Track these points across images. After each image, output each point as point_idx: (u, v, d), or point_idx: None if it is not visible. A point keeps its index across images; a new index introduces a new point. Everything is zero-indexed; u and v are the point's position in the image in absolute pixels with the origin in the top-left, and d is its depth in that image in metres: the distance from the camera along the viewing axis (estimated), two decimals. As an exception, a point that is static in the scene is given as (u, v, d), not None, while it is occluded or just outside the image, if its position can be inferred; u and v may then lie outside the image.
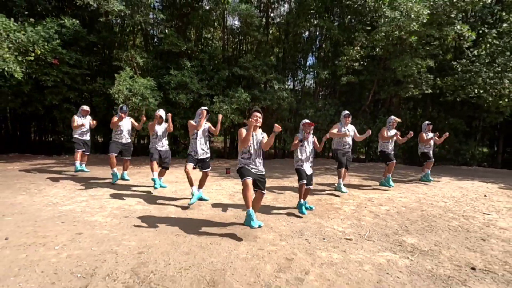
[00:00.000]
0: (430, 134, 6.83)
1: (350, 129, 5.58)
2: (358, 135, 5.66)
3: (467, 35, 7.63)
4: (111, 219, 3.73)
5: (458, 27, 7.54)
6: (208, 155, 4.68)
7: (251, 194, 3.36)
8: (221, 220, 3.92)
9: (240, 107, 8.91)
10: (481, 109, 10.29)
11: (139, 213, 4.03)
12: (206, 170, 4.63)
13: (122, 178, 6.07)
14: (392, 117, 6.15)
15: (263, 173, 3.56)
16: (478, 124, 11.22)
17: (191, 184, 4.48)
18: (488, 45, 9.01)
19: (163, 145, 5.36)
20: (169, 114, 5.25)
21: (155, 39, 10.34)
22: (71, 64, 8.66)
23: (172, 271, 2.48)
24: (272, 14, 11.48)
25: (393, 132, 6.09)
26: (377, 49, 9.43)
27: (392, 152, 6.22)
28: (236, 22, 11.69)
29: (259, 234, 3.42)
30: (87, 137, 6.33)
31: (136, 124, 5.95)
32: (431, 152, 6.89)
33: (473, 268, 2.76)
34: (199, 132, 4.54)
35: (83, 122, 6.17)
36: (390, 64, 9.21)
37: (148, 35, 10.69)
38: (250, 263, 2.69)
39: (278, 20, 11.71)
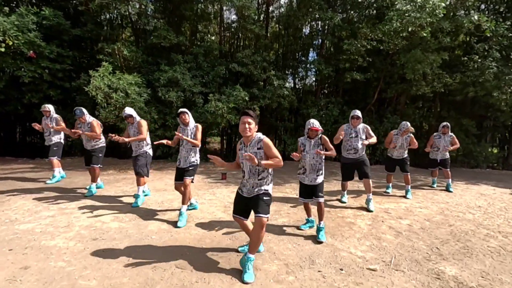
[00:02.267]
0: (447, 138, 6.05)
1: (360, 130, 4.48)
2: (370, 134, 4.51)
3: (485, 26, 6.93)
4: (74, 243, 3.00)
5: (476, 17, 6.84)
6: (193, 162, 3.89)
7: (247, 228, 2.75)
8: (213, 242, 3.20)
9: (237, 106, 8.18)
10: (493, 108, 9.64)
11: (113, 233, 3.31)
12: (186, 177, 3.75)
13: (98, 187, 5.33)
14: (408, 124, 5.20)
15: (262, 192, 2.60)
16: (489, 124, 10.57)
17: (183, 202, 3.77)
18: (500, 38, 8.34)
19: (134, 148, 4.45)
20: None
21: (146, 34, 9.58)
22: (51, 58, 7.90)
23: (138, 332, 1.76)
24: (271, 7, 10.77)
25: (400, 139, 5.25)
26: (383, 44, 8.74)
27: (402, 156, 5.39)
28: (234, 16, 10.98)
29: (260, 264, 2.71)
30: (49, 141, 5.57)
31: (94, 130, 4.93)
32: (438, 159, 6.07)
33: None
34: (183, 139, 3.83)
35: (45, 124, 5.46)
36: (398, 60, 8.51)
37: (138, 29, 9.94)
38: (248, 314, 1.98)
39: (278, 13, 11.00)
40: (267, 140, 2.57)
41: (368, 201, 4.61)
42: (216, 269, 2.57)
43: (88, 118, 4.93)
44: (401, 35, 7.59)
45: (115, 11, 8.11)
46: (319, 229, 3.40)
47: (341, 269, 2.68)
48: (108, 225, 3.53)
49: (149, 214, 4.02)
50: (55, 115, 5.61)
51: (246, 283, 2.36)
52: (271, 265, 2.70)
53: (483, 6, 9.42)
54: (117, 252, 2.84)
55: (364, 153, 4.57)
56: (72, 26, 8.64)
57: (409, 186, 5.47)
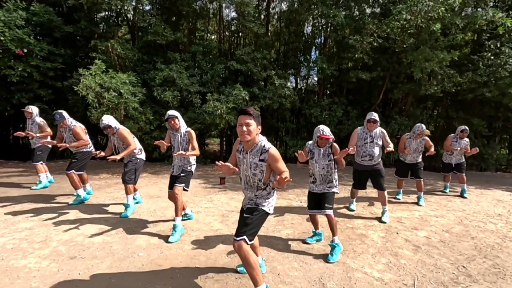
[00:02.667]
0: (463, 142, 5.53)
1: (376, 135, 3.97)
2: (388, 141, 3.99)
3: (500, 22, 6.54)
4: (48, 263, 2.61)
5: (490, 13, 6.45)
6: (188, 170, 3.49)
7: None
8: (208, 260, 2.81)
9: (237, 106, 7.80)
10: (505, 108, 9.25)
11: (95, 249, 2.91)
12: (176, 185, 3.35)
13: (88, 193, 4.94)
14: (422, 126, 4.78)
15: (255, 208, 2.19)
16: (499, 124, 10.18)
17: (176, 214, 3.33)
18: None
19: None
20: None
21: (142, 31, 9.21)
22: (42, 56, 7.53)
23: None
24: (272, 4, 10.39)
25: (414, 143, 4.82)
26: (390, 41, 8.35)
27: (416, 161, 4.94)
28: (233, 14, 10.61)
29: (262, 290, 2.31)
30: (33, 144, 5.20)
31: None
32: (453, 163, 5.64)
33: None
34: (175, 146, 3.44)
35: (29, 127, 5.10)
36: (405, 58, 8.12)
37: (134, 26, 9.57)
38: None
39: (279, 9, 10.62)
40: (274, 152, 2.06)
41: (383, 212, 4.19)
42: (211, 297, 2.18)
43: (70, 122, 4.43)
44: (409, 31, 7.19)
45: (110, 8, 7.73)
46: (332, 247, 2.96)
47: (358, 296, 2.29)
48: (91, 240, 3.13)
49: (138, 226, 3.63)
50: (39, 119, 5.17)
51: None
52: (275, 291, 2.31)
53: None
54: (96, 274, 2.45)
55: (380, 160, 4.13)
56: (65, 23, 8.28)
57: (422, 193, 5.07)
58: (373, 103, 9.93)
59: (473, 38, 9.21)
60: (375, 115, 3.94)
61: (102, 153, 3.71)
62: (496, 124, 10.27)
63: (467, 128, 5.44)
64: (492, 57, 8.01)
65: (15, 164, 8.31)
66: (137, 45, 8.55)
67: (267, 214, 2.25)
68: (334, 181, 3.11)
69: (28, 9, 7.54)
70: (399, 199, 5.34)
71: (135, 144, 3.97)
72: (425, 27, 6.66)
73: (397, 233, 3.72)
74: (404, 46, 8.08)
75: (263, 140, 2.11)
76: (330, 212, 3.00)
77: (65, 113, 4.46)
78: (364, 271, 2.71)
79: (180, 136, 3.42)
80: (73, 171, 4.44)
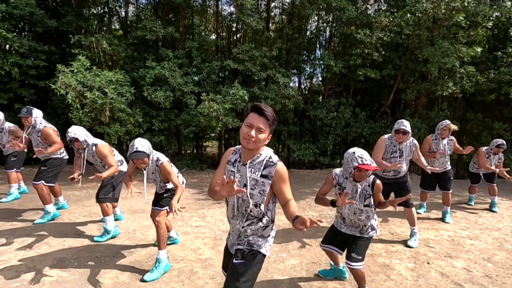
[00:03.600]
0: (496, 158, 4.72)
1: (407, 147, 3.27)
2: (420, 155, 3.36)
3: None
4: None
5: (509, 4, 5.77)
6: (172, 189, 2.81)
7: None
8: (190, 310, 2.12)
9: (235, 107, 7.12)
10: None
11: (43, 294, 2.23)
12: (156, 208, 2.77)
13: (60, 208, 4.26)
14: (447, 121, 4.05)
15: (248, 251, 1.56)
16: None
17: (159, 247, 2.62)
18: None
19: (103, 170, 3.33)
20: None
21: (132, 27, 8.56)
22: (22, 53, 6.89)
23: None
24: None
25: (441, 144, 4.03)
26: (403, 36, 7.66)
27: (445, 169, 4.16)
28: (232, 9, 9.96)
29: None
30: (6, 150, 4.57)
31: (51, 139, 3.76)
32: (481, 173, 4.94)
33: None
34: (145, 173, 2.66)
35: None
36: (420, 54, 7.39)
37: (126, 21, 8.93)
38: None
39: (281, 3, 9.95)
40: (283, 169, 1.49)
41: (411, 235, 3.47)
42: None
43: (39, 122, 3.77)
44: (425, 25, 6.49)
45: (100, 3, 7.09)
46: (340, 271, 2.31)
47: None
48: (42, 279, 2.44)
49: (110, 253, 2.94)
50: (8, 125, 4.52)
51: None
52: None
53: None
54: None
55: (407, 172, 3.42)
56: (50, 18, 7.63)
57: (449, 208, 4.34)
58: (383, 103, 9.24)
59: (492, 33, 8.48)
60: (406, 124, 3.16)
61: (75, 176, 3.04)
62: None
63: (504, 142, 4.61)
64: (515, 54, 7.31)
65: (-4, 170, 7.67)
66: (126, 41, 7.89)
67: (264, 257, 1.60)
68: (372, 225, 2.23)
69: (8, 2, 6.91)
70: (420, 213, 4.64)
71: (116, 162, 3.22)
72: (447, 18, 5.93)
73: (428, 263, 3.01)
74: (419, 41, 7.38)
75: (268, 151, 1.53)
76: (359, 266, 2.14)
77: (36, 111, 3.78)
78: (399, 329, 2.00)
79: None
80: (42, 181, 3.76)
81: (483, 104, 9.00)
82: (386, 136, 3.34)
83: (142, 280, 2.46)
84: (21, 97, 7.34)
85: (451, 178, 4.25)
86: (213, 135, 10.57)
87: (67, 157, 4.15)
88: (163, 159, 2.63)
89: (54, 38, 8.40)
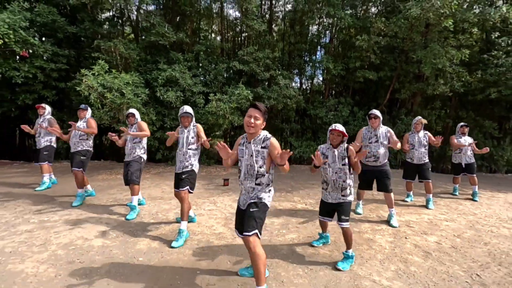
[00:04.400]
0: (468, 139, 5.52)
1: (382, 134, 3.94)
2: (395, 139, 3.88)
3: (512, 20, 6.36)
4: (46, 267, 2.54)
5: (504, 9, 6.25)
6: (189, 168, 3.39)
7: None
8: (210, 265, 2.72)
9: (240, 106, 7.71)
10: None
11: (94, 253, 2.84)
12: (180, 190, 3.28)
13: (89, 195, 4.90)
14: (418, 117, 4.79)
15: (256, 202, 2.18)
16: (510, 125, 9.91)
17: (182, 218, 3.26)
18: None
19: (128, 152, 4.06)
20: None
21: (145, 31, 9.18)
22: (46, 57, 7.54)
23: None
24: (276, 3, 10.29)
25: (417, 137, 4.72)
26: (398, 40, 8.18)
27: (424, 161, 4.79)
28: (237, 13, 10.53)
29: (265, 299, 2.21)
30: (39, 144, 5.23)
31: (90, 125, 4.62)
32: (463, 163, 5.49)
33: None
34: (180, 141, 3.40)
35: (37, 125, 5.21)
36: (413, 56, 7.92)
37: (137, 26, 9.55)
38: None
39: (283, 8, 10.50)
40: (274, 141, 2.21)
41: (390, 216, 4.06)
42: (212, 306, 2.09)
43: (88, 114, 4.73)
44: (418, 29, 7.02)
45: (113, 7, 7.71)
46: (346, 256, 2.83)
47: (366, 307, 2.17)
48: (90, 243, 3.06)
49: (139, 228, 3.55)
50: (49, 116, 5.26)
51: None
52: (279, 301, 2.20)
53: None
54: (94, 279, 2.38)
55: (386, 161, 4.01)
56: (69, 24, 8.28)
57: (431, 195, 4.90)
58: (380, 103, 9.75)
59: (483, 37, 8.97)
60: (375, 111, 3.89)
61: (116, 137, 3.92)
62: (507, 125, 10.00)
63: (465, 123, 5.46)
64: (503, 56, 7.79)
65: (20, 165, 8.35)
66: (140, 45, 8.51)
67: (267, 207, 2.25)
68: (348, 188, 2.83)
69: (32, 10, 7.56)
70: (407, 201, 5.19)
71: (143, 141, 4.15)
72: (436, 24, 6.47)
73: (406, 238, 3.58)
74: (413, 44, 7.90)
75: (264, 132, 2.28)
76: (347, 225, 2.79)
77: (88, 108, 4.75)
78: (373, 279, 2.58)
79: (188, 132, 3.40)
80: (82, 169, 4.50)
81: (475, 103, 9.48)
82: (364, 127, 4.07)
83: (170, 247, 3.07)
84: (44, 97, 8.00)
85: (429, 169, 4.83)
86: (218, 133, 11.17)
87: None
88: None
89: (71, 43, 9.06)
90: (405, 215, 4.44)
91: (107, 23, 9.17)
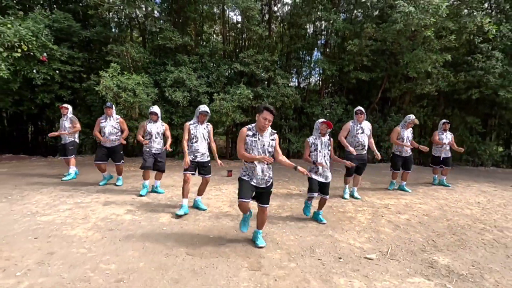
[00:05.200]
0: (448, 135, 6.22)
1: (365, 127, 4.84)
2: (371, 139, 4.95)
3: (487, 28, 7.00)
4: (93, 233, 3.25)
5: (478, 19, 6.91)
6: (208, 158, 4.21)
7: (248, 208, 2.99)
8: (220, 233, 3.42)
9: (242, 105, 8.39)
10: (498, 107, 9.67)
11: (127, 224, 3.55)
12: (207, 176, 4.18)
13: (115, 184, 5.60)
14: (412, 116, 5.47)
15: (270, 182, 2.97)
16: (494, 122, 10.59)
17: (184, 196, 4.02)
18: (503, 38, 8.38)
19: (157, 146, 4.90)
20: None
21: (152, 35, 9.82)
22: (62, 60, 8.20)
23: (156, 307, 1.99)
24: (275, 7, 10.92)
25: (406, 133, 5.49)
26: (387, 43, 8.83)
27: (408, 155, 5.59)
28: (239, 17, 11.15)
29: (264, 253, 2.92)
30: (65, 140, 5.89)
31: (124, 127, 5.44)
32: (442, 156, 6.21)
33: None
34: (200, 136, 4.03)
35: (62, 124, 5.84)
36: (401, 59, 8.60)
37: (145, 30, 10.19)
38: (254, 294, 2.19)
39: (281, 12, 11.14)
40: (276, 136, 2.99)
41: (354, 191, 5.08)
42: (223, 256, 2.78)
43: (115, 114, 5.43)
44: (404, 34, 7.69)
45: (123, 14, 8.36)
46: (318, 214, 3.86)
47: (340, 258, 2.87)
48: (122, 218, 3.77)
49: (159, 208, 4.25)
50: (71, 115, 5.91)
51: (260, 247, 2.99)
52: (274, 254, 2.90)
53: (486, 5, 9.43)
54: (132, 241, 3.08)
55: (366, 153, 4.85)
56: (82, 28, 8.93)
57: (405, 182, 5.68)
58: (372, 101, 10.42)
59: (468, 39, 9.61)
60: (360, 107, 4.84)
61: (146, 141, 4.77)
62: (491, 122, 10.68)
63: (447, 120, 6.20)
64: (484, 59, 8.45)
65: (38, 159, 9.04)
66: (148, 48, 9.17)
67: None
68: (329, 171, 3.77)
69: (49, 16, 8.20)
70: (389, 189, 5.88)
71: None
72: (420, 31, 7.16)
73: (382, 216, 4.28)
74: (401, 48, 8.55)
75: (269, 128, 2.96)
76: (328, 196, 3.85)
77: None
78: (348, 242, 3.29)
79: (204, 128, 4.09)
80: (122, 161, 5.50)
81: (461, 102, 10.14)
82: (350, 121, 4.87)
83: (176, 215, 3.76)
84: (61, 97, 8.68)
85: (412, 161, 5.57)
86: (220, 130, 11.87)
87: None
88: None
89: (83, 46, 9.70)
90: (385, 200, 5.14)
91: (117, 28, 9.80)
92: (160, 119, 4.98)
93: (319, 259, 2.82)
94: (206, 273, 2.45)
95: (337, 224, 3.84)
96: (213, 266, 2.58)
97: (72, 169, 6.06)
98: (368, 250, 3.09)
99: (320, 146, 3.70)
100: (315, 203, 4.06)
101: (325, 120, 3.66)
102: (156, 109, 4.90)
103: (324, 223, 3.80)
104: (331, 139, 3.82)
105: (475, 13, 6.95)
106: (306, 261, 2.77)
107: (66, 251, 2.77)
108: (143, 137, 4.85)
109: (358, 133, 4.77)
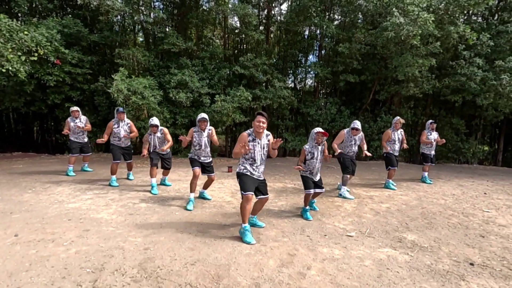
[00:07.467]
0: (434, 134, 6.78)
1: (359, 139, 5.33)
2: (364, 142, 5.43)
3: (468, 36, 7.63)
4: (116, 216, 3.81)
5: (461, 28, 7.54)
6: (211, 159, 4.73)
7: (251, 206, 3.30)
8: (224, 217, 3.99)
9: (241, 106, 8.96)
10: (481, 108, 10.33)
11: (144, 210, 4.11)
12: (211, 174, 4.67)
13: (127, 178, 6.16)
14: (397, 117, 6.05)
15: (264, 179, 3.42)
16: (479, 122, 11.26)
17: (192, 190, 4.45)
18: (483, 46, 9.02)
19: (167, 151, 5.37)
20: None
21: (156, 39, 10.37)
22: (73, 63, 8.72)
23: (178, 266, 2.55)
24: (272, 13, 11.50)
25: (397, 134, 6.02)
26: (377, 48, 9.46)
27: (398, 153, 6.17)
28: (237, 23, 11.72)
29: (262, 231, 3.49)
30: (83, 139, 6.38)
31: (134, 129, 5.86)
32: (432, 154, 6.81)
33: (472, 264, 2.83)
34: (203, 142, 4.45)
35: (73, 125, 6.16)
36: (390, 64, 9.24)
37: (149, 34, 10.73)
38: (254, 258, 2.76)
39: (278, 18, 11.73)
40: (271, 136, 3.42)
41: (344, 191, 5.42)
42: (227, 234, 3.35)
43: (126, 118, 5.84)
44: (393, 41, 8.31)
45: (129, 20, 8.90)
46: (312, 203, 4.38)
47: (325, 235, 3.46)
48: (139, 205, 4.33)
49: (169, 199, 4.82)
50: (83, 117, 6.42)
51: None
52: (270, 232, 3.48)
53: (470, 12, 10.09)
54: (150, 222, 3.64)
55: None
56: (89, 32, 9.46)
57: (391, 179, 6.24)
58: (364, 102, 11.05)
59: (454, 44, 10.26)
60: (358, 124, 5.14)
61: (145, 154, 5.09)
62: (475, 122, 11.35)
63: (434, 120, 6.72)
64: (466, 65, 9.09)
65: (48, 157, 9.55)
66: (153, 52, 9.72)
67: None
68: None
69: (60, 22, 8.73)
70: (395, 189, 6.41)
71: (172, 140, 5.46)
72: (408, 39, 7.78)
73: (366, 205, 4.87)
74: (390, 53, 9.18)
75: (266, 131, 3.37)
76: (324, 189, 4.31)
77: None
78: (334, 225, 3.87)
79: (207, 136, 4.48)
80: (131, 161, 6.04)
81: (447, 103, 10.80)
82: (345, 130, 5.36)
83: (186, 209, 4.33)
84: (71, 97, 9.20)
85: (398, 160, 6.19)
86: (219, 129, 12.45)
87: None
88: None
89: (92, 49, 10.23)
90: (371, 192, 5.74)
91: (122, 32, 10.33)
92: (159, 127, 5.15)
93: (307, 236, 3.41)
94: (215, 244, 3.02)
95: (326, 211, 4.43)
96: (220, 239, 3.15)
97: (86, 165, 6.63)
98: (349, 230, 3.67)
99: (317, 153, 3.96)
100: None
101: (320, 130, 3.85)
102: (156, 121, 5.04)
103: (316, 211, 4.35)
104: (325, 143, 4.10)
105: (458, 22, 7.57)
106: (297, 237, 3.35)
107: (98, 229, 3.33)
108: (148, 150, 5.17)
109: (351, 144, 5.28)
